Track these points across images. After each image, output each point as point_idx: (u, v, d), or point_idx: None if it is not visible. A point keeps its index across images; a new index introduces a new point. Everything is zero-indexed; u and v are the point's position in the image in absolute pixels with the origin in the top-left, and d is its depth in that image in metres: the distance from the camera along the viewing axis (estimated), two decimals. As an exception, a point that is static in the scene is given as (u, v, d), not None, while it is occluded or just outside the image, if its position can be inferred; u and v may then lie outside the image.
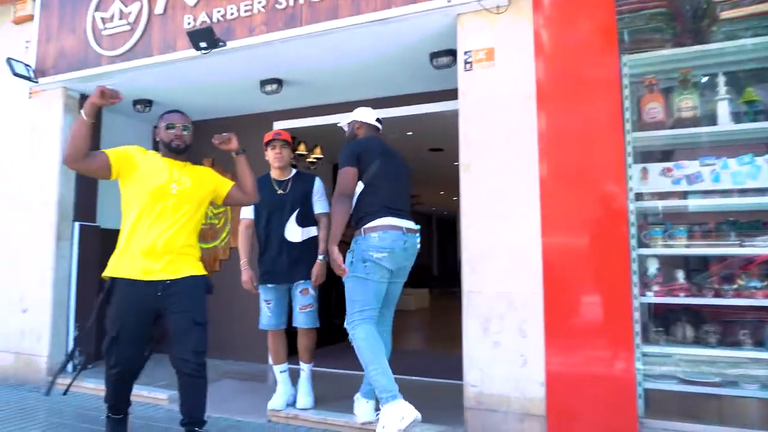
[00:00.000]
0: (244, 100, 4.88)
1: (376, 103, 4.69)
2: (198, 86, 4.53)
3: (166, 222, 2.53)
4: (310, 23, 3.52)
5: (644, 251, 2.81)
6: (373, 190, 2.94)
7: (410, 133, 7.02)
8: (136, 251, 2.50)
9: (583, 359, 2.73)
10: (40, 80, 4.53)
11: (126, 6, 4.17)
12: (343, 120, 3.43)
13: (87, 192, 4.69)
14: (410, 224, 3.01)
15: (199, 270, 2.66)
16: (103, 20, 4.27)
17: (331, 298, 5.70)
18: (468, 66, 3.14)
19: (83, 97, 4.67)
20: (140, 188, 2.52)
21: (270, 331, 3.55)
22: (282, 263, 3.44)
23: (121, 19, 4.18)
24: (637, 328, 2.71)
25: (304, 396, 3.46)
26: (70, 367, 4.39)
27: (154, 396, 3.76)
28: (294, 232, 3.48)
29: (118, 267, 2.53)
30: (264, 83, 4.34)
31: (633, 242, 2.76)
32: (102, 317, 2.64)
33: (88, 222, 4.66)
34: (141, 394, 3.79)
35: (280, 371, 3.55)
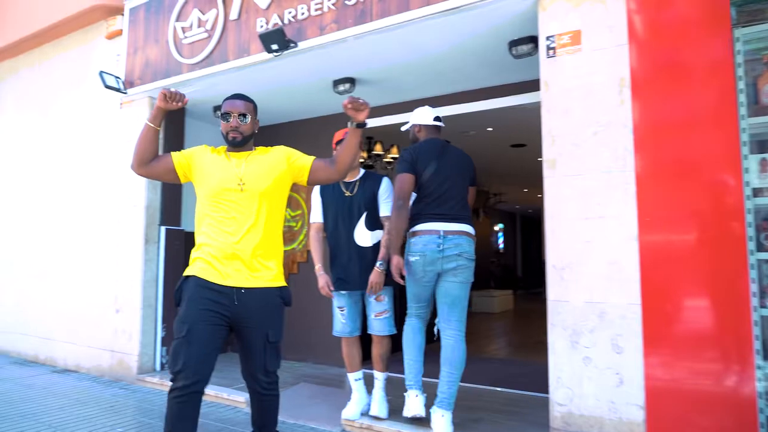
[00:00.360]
0: (318, 102, 4.85)
1: (452, 99, 4.49)
2: (273, 90, 4.55)
3: (234, 224, 2.27)
4: (381, 17, 3.38)
5: (765, 255, 2.40)
6: (422, 196, 3.15)
7: (490, 129, 6.72)
8: (208, 255, 2.27)
9: (692, 381, 2.38)
10: (129, 91, 4.76)
11: (203, 14, 4.26)
12: (405, 123, 3.46)
13: (172, 196, 4.86)
14: (452, 227, 3.08)
15: (277, 279, 2.35)
16: (183, 29, 4.39)
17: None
18: (551, 53, 2.87)
19: (168, 106, 4.84)
20: (205, 189, 2.33)
21: (344, 338, 3.46)
22: (354, 270, 3.32)
23: (199, 27, 4.28)
24: (758, 345, 2.32)
25: (379, 405, 3.33)
26: (158, 366, 4.58)
27: (234, 398, 3.79)
28: (364, 237, 3.36)
29: (192, 266, 2.32)
30: (337, 83, 4.27)
31: (751, 245, 2.37)
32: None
33: (174, 226, 4.83)
34: (221, 395, 3.85)
35: (354, 379, 3.44)
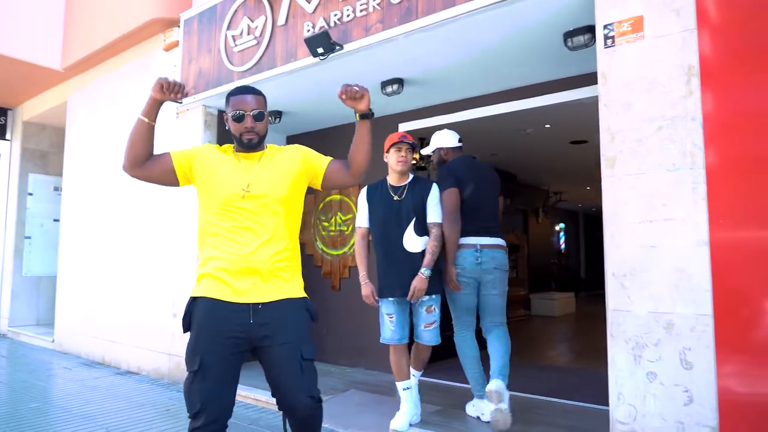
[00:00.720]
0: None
1: (505, 96, 4.31)
2: (321, 94, 4.53)
3: (248, 234, 1.99)
4: (427, 14, 3.27)
5: None
6: (462, 213, 3.34)
7: (548, 126, 6.45)
8: (218, 270, 1.97)
9: (775, 403, 2.12)
10: (183, 100, 4.88)
11: (252, 21, 4.30)
12: (428, 147, 3.72)
13: (226, 202, 4.94)
14: (487, 240, 3.37)
15: (296, 291, 2.08)
16: (234, 38, 4.45)
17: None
18: (609, 42, 2.66)
19: (221, 114, 4.94)
20: (212, 195, 2.03)
21: (392, 346, 3.36)
22: (402, 276, 3.23)
23: (248, 34, 4.32)
24: None
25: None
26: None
27: (261, 398, 3.79)
28: (413, 242, 3.27)
29: (199, 285, 2.02)
30: (385, 84, 4.19)
31: None
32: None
33: (227, 231, 4.91)
34: (260, 398, 3.86)
35: (403, 388, 3.35)
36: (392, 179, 3.38)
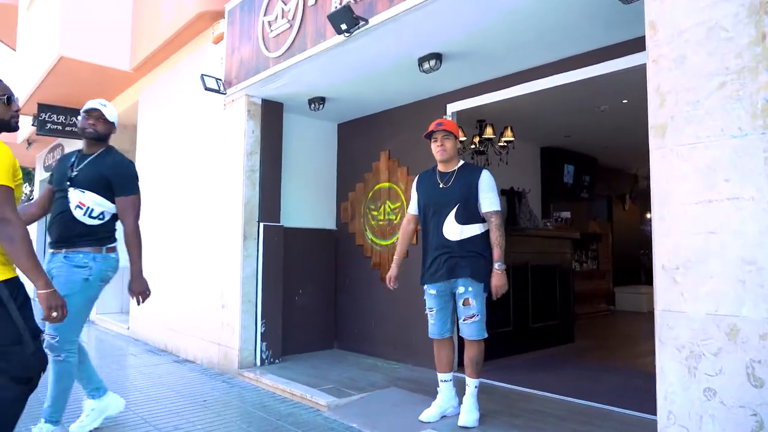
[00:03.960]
0: (409, 85, 4.49)
1: (558, 67, 3.84)
2: (357, 77, 4.30)
3: None
4: (453, -23, 2.93)
5: None
6: None
7: (626, 101, 5.80)
8: None
9: None
10: (228, 91, 4.86)
11: (286, 4, 4.15)
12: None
13: (271, 192, 4.87)
14: None
15: None
16: (270, 23, 4.33)
17: (509, 304, 5.00)
18: (659, -14, 2.19)
19: (264, 103, 4.86)
20: None
21: (435, 340, 3.31)
22: (438, 263, 3.17)
23: (282, 18, 4.18)
24: None
25: (467, 413, 3.10)
26: (258, 361, 4.62)
27: (316, 400, 3.62)
28: (452, 230, 3.15)
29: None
30: (422, 61, 3.88)
31: None
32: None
33: (272, 222, 4.84)
34: (305, 396, 3.72)
35: (441, 380, 3.29)
36: (440, 166, 3.32)
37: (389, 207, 5.11)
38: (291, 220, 5.18)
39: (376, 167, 5.27)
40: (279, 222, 4.91)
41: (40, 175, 12.46)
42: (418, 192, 3.37)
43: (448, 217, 3.15)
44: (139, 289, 2.99)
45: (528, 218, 6.29)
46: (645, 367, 4.77)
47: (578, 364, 4.86)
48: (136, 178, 3.06)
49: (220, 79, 4.88)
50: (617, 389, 3.94)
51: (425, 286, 3.27)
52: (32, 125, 8.36)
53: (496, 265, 3.06)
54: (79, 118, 3.01)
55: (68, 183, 2.87)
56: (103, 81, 7.16)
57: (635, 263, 10.53)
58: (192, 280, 5.36)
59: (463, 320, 3.12)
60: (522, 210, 6.28)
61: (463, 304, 3.10)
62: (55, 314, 2.10)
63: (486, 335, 3.13)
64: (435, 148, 3.24)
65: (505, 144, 6.13)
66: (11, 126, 2.27)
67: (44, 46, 6.91)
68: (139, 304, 3.04)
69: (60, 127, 8.39)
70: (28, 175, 15.12)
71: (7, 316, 1.99)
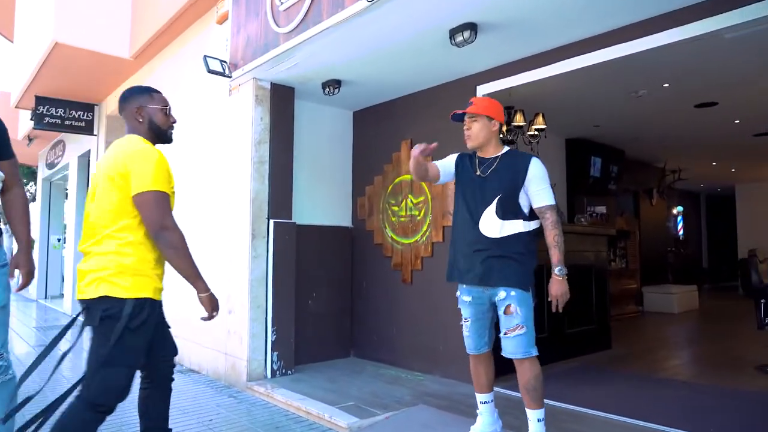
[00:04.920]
0: (435, 63, 4.01)
1: (608, 39, 3.36)
2: (380, 53, 3.83)
3: None
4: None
5: None
6: None
7: (667, 85, 5.31)
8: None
9: None
10: (234, 74, 4.41)
11: (298, -27, 3.70)
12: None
13: (282, 188, 4.42)
14: None
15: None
16: (280, -4, 3.88)
17: (543, 308, 4.51)
18: None
19: (274, 87, 4.41)
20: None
21: (471, 355, 2.80)
22: (471, 261, 2.65)
23: (294, -11, 3.73)
24: None
25: None
26: (269, 373, 4.18)
27: (335, 421, 3.17)
28: (491, 225, 2.63)
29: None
30: (454, 33, 3.41)
31: None
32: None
33: (284, 219, 4.39)
34: (322, 415, 3.26)
35: (481, 401, 2.79)
36: (479, 151, 2.79)
37: (411, 201, 4.65)
38: (303, 217, 4.73)
39: (397, 158, 4.81)
40: (291, 219, 4.45)
41: (43, 173, 12.09)
42: (456, 168, 2.83)
43: (487, 211, 2.64)
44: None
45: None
46: (695, 379, 4.30)
47: (621, 374, 4.39)
48: None
49: (224, 61, 4.43)
50: (675, 406, 3.47)
51: (458, 294, 2.77)
52: (30, 119, 7.97)
53: (555, 270, 2.56)
54: None
55: None
56: (102, 71, 6.75)
57: (662, 261, 10.02)
58: (196, 283, 4.91)
59: (505, 333, 2.56)
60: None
61: (505, 312, 2.56)
62: (215, 314, 2.39)
63: (536, 352, 2.57)
64: (465, 132, 2.76)
65: (536, 132, 5.64)
66: (167, 137, 2.49)
67: (39, 33, 6.50)
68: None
69: (59, 121, 7.99)
70: (33, 174, 14.81)
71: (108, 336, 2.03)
